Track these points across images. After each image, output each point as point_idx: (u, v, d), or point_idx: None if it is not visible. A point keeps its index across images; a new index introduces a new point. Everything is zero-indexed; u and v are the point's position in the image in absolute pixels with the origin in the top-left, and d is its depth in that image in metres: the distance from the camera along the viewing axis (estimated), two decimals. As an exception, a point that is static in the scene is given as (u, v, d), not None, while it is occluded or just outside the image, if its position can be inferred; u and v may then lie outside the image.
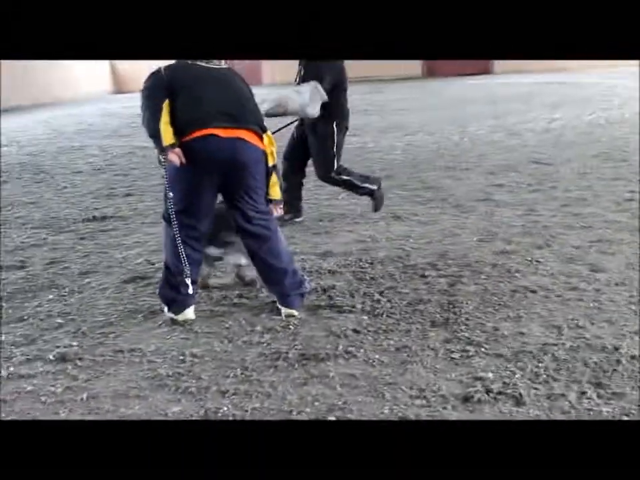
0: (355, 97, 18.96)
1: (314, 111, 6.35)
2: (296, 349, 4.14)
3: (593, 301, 4.65)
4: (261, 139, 4.44)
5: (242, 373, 3.89)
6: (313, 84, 6.35)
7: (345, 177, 6.90)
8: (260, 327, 4.48)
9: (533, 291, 4.85)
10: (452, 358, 3.98)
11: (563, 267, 5.28)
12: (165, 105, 4.34)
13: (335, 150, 6.78)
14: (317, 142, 6.77)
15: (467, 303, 4.68)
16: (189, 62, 4.46)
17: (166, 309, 4.63)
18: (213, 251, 5.06)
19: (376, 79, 23.62)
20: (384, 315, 4.57)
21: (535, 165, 9.02)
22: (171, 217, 4.47)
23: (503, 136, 11.40)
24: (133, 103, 17.33)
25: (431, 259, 5.60)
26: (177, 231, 4.46)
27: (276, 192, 4.69)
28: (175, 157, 4.30)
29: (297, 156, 6.93)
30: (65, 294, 5.23)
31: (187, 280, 4.49)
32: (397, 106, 16.53)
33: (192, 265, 4.52)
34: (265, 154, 4.49)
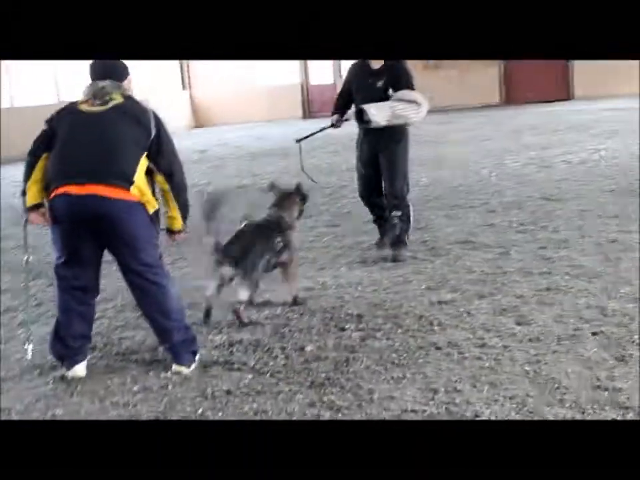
0: (424, 126, 18.99)
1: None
2: (155, 412, 4.04)
3: (492, 359, 4.37)
4: (128, 190, 4.29)
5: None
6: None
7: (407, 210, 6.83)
8: (138, 386, 4.40)
9: (439, 348, 4.63)
10: (300, 423, 3.79)
11: (489, 320, 5.02)
12: (42, 160, 4.35)
13: (407, 164, 6.83)
14: (398, 156, 6.73)
15: (361, 362, 4.47)
16: (76, 106, 4.41)
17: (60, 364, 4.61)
18: (226, 270, 5.17)
19: (452, 109, 23.25)
20: (267, 374, 4.43)
21: (542, 202, 8.63)
22: (55, 269, 4.48)
23: (534, 169, 11.01)
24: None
25: (361, 310, 5.42)
26: (58, 283, 4.46)
27: (176, 224, 4.64)
28: (36, 217, 4.30)
29: (373, 191, 6.95)
30: None
31: (64, 333, 4.47)
32: (454, 137, 16.19)
33: (77, 318, 4.50)
34: (139, 205, 4.36)
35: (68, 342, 4.53)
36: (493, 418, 3.71)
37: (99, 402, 4.26)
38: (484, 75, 23.30)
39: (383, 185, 6.89)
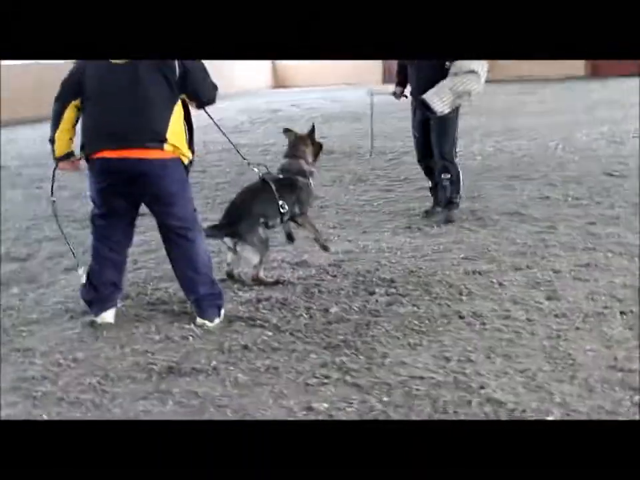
0: (502, 97, 18.68)
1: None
2: (169, 361, 4.13)
3: (513, 332, 4.33)
4: (162, 149, 4.37)
5: (97, 382, 3.92)
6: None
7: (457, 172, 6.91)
8: (161, 335, 4.50)
9: (462, 317, 4.60)
10: (307, 384, 3.84)
11: (521, 293, 4.96)
12: (71, 108, 4.42)
13: (456, 128, 6.86)
14: (446, 120, 6.69)
15: (382, 326, 4.47)
16: None
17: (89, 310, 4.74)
18: (227, 241, 5.26)
19: (536, 79, 22.76)
20: (287, 332, 4.47)
21: (603, 177, 8.41)
22: (91, 219, 4.60)
23: (604, 143, 10.73)
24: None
25: (395, 275, 5.41)
26: (94, 232, 4.58)
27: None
28: (66, 165, 4.41)
29: (429, 154, 6.97)
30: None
31: (96, 279, 4.58)
32: (530, 108, 15.86)
33: (108, 265, 4.61)
34: (174, 160, 4.45)
35: (99, 288, 4.64)
36: (499, 390, 3.65)
37: (120, 348, 4.36)
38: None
39: (433, 149, 6.88)
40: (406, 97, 7.22)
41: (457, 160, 6.96)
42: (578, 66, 23.90)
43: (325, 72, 25.18)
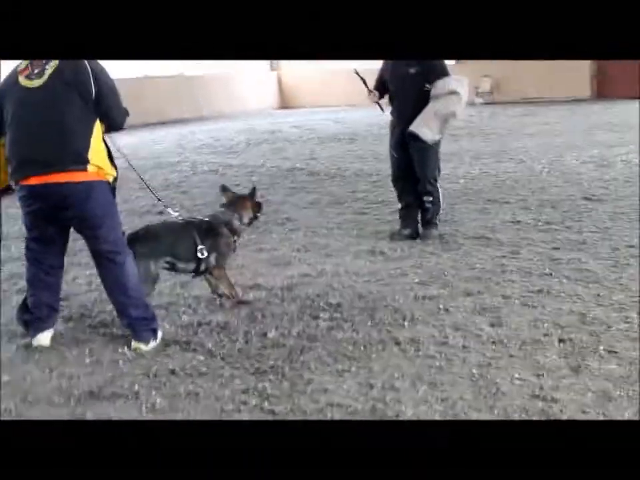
0: (502, 118, 18.63)
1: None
2: (92, 386, 4.11)
3: (445, 359, 4.27)
4: (85, 170, 4.34)
5: (14, 405, 3.89)
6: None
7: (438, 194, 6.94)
8: (92, 358, 4.47)
9: (398, 343, 4.55)
10: (223, 410, 3.83)
11: (465, 319, 4.90)
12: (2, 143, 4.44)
13: (439, 151, 6.90)
14: (428, 147, 6.70)
15: (315, 352, 4.44)
16: (16, 79, 4.37)
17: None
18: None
19: (541, 101, 22.68)
20: (218, 357, 4.42)
21: (582, 202, 8.33)
22: (26, 243, 4.59)
23: (592, 167, 10.62)
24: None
25: (343, 300, 5.36)
26: (28, 256, 4.57)
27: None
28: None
29: (403, 175, 7.00)
30: None
31: (30, 301, 4.57)
32: (528, 130, 15.76)
33: (43, 288, 4.59)
34: (99, 182, 4.43)
35: (35, 311, 4.62)
36: (414, 419, 3.59)
37: (48, 371, 4.33)
38: (575, 69, 22.49)
39: (416, 170, 6.88)
40: (379, 104, 7.16)
41: (438, 183, 6.99)
42: (584, 87, 23.75)
43: (330, 92, 25.19)
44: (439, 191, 6.97)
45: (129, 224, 6.48)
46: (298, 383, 4.07)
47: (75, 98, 4.30)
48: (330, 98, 25.19)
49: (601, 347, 4.32)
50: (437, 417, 3.62)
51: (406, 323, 4.87)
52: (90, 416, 3.77)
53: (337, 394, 3.92)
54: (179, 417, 3.74)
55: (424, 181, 6.83)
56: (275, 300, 5.45)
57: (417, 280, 5.79)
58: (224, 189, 5.59)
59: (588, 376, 3.99)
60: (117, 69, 17.08)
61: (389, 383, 4.01)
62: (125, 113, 4.57)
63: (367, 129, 16.63)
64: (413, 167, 6.86)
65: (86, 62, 4.31)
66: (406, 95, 6.67)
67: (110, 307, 5.22)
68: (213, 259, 5.17)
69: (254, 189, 5.64)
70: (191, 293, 5.64)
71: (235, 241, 5.37)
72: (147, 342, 4.55)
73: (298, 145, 15.01)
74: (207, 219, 5.31)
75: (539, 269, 5.89)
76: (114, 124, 4.53)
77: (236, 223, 5.37)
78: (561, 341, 4.47)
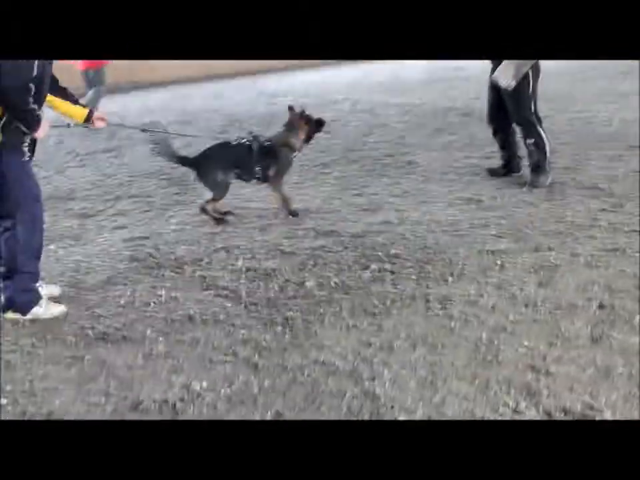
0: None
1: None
2: (105, 327, 4.26)
3: (463, 320, 4.08)
4: None
5: None
6: None
7: (539, 127, 6.81)
8: (127, 298, 4.63)
9: (428, 301, 4.41)
10: (211, 360, 3.84)
11: (514, 277, 4.65)
12: None
13: (530, 92, 6.71)
14: (516, 89, 6.67)
15: (337, 304, 4.38)
16: None
17: None
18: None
19: None
20: (242, 305, 4.46)
21: None
22: None
23: None
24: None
25: (405, 251, 5.20)
26: None
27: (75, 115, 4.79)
28: None
29: (497, 115, 7.02)
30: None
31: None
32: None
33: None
34: None
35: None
36: (387, 384, 3.45)
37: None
38: None
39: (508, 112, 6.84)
40: None
41: (539, 127, 6.78)
42: None
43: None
44: (542, 135, 6.73)
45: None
46: (300, 336, 4.01)
47: None
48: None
49: (637, 318, 3.91)
50: (412, 384, 3.43)
51: (450, 279, 4.66)
52: (87, 357, 3.89)
53: (331, 351, 3.83)
54: (169, 363, 3.78)
55: (519, 124, 6.84)
56: (337, 247, 5.35)
57: (493, 232, 5.49)
58: (290, 108, 6.24)
59: (603, 348, 3.67)
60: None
61: (387, 343, 3.87)
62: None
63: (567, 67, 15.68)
64: (504, 108, 6.83)
65: None
66: None
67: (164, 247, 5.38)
68: (272, 172, 6.04)
69: (302, 111, 6.19)
70: (265, 238, 5.65)
71: (293, 157, 6.18)
72: (19, 310, 4.40)
73: (472, 83, 14.49)
74: (267, 140, 6.09)
75: (630, 225, 5.38)
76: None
77: (292, 140, 6.11)
78: (600, 306, 4.11)
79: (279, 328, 4.12)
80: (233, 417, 3.25)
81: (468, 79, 15.19)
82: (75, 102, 4.77)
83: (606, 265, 4.68)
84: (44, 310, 4.40)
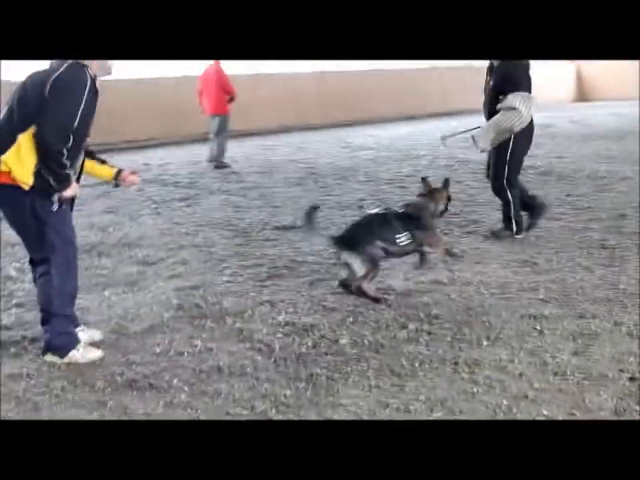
0: None
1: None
2: (134, 374, 4.35)
3: (486, 386, 4.01)
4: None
5: None
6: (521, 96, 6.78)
7: (511, 196, 7.06)
8: (163, 346, 4.73)
9: (456, 363, 4.35)
10: (228, 413, 3.88)
11: (550, 345, 4.53)
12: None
13: (507, 158, 6.95)
14: (499, 149, 6.99)
15: (366, 364, 4.38)
16: None
17: None
18: (344, 255, 5.51)
19: None
20: (272, 360, 4.50)
21: None
22: None
23: None
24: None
25: (446, 312, 5.16)
26: None
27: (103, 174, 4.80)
28: None
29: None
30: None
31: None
32: None
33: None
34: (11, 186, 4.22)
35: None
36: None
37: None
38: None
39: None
40: None
41: (509, 190, 7.04)
42: None
43: (629, 83, 23.67)
44: (508, 197, 7.04)
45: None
46: (321, 393, 4.01)
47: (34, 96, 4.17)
48: (627, 90, 23.65)
49: (667, 396, 3.78)
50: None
51: (485, 342, 4.59)
52: (110, 402, 3.98)
53: (346, 410, 3.82)
54: (186, 415, 3.84)
55: (492, 180, 7.16)
56: (379, 305, 5.35)
57: (540, 296, 5.39)
58: (423, 180, 6.03)
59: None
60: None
61: (405, 405, 3.83)
62: (59, 140, 4.15)
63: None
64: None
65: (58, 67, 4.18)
66: (485, 102, 7.11)
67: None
68: (420, 235, 5.62)
69: (447, 180, 6.04)
70: (311, 293, 5.70)
71: (430, 218, 5.80)
72: (59, 353, 4.51)
73: (557, 141, 14.35)
74: (403, 209, 5.74)
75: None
76: (41, 135, 4.13)
77: (432, 209, 5.82)
78: (631, 379, 3.97)
79: (302, 384, 4.12)
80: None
81: (554, 136, 15.02)
82: (102, 162, 4.81)
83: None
84: (81, 354, 4.52)
